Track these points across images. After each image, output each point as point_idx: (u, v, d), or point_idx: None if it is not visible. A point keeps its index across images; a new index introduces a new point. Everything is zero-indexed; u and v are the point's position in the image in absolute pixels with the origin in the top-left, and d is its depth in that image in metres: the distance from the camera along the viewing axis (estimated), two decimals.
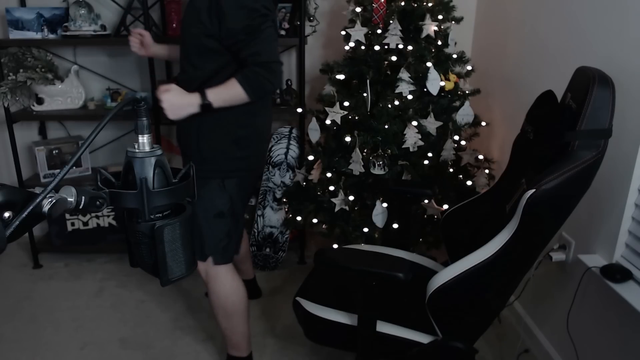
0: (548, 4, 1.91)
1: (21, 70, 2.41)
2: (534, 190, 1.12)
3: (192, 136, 1.66)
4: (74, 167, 2.65)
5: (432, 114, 2.07)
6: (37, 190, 0.60)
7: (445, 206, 2.10)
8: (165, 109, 1.49)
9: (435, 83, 2.05)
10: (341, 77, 2.17)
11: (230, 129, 1.64)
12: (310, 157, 2.36)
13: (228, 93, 1.52)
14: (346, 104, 2.11)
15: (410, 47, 2.04)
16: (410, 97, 2.04)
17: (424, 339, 1.35)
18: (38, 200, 0.57)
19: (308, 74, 2.58)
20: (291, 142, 2.54)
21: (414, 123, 2.03)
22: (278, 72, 1.54)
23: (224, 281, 1.75)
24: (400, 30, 2.04)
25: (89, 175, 2.69)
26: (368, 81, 2.07)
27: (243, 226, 1.91)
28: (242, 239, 1.94)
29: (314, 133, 2.28)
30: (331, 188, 2.18)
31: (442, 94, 2.13)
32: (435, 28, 2.06)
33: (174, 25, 2.52)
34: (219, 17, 1.48)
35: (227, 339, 1.85)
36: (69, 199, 0.62)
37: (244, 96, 1.51)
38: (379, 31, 2.08)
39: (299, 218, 2.37)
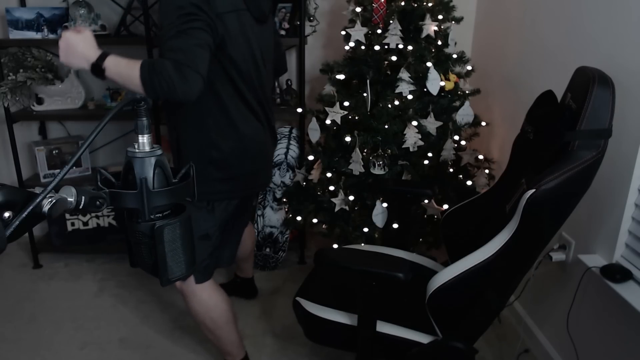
0: (548, 4, 1.91)
1: (21, 70, 2.41)
2: (534, 190, 1.12)
3: (174, 156, 1.62)
4: (74, 167, 2.65)
5: (432, 114, 2.07)
6: (37, 190, 0.60)
7: (445, 206, 2.10)
8: (60, 48, 1.35)
9: (435, 83, 2.05)
10: (341, 77, 2.17)
11: (203, 150, 1.51)
12: (310, 157, 2.36)
13: (125, 68, 1.32)
14: (346, 104, 2.11)
15: (410, 47, 2.04)
16: (410, 97, 2.04)
17: (424, 339, 1.35)
18: (38, 200, 0.57)
19: (308, 74, 2.57)
20: (291, 142, 2.54)
21: (414, 123, 2.03)
22: (190, 81, 1.27)
23: (200, 299, 1.68)
24: (400, 30, 2.04)
25: (89, 175, 2.69)
26: (368, 81, 2.07)
27: (238, 237, 1.83)
28: (237, 247, 1.86)
29: (314, 133, 2.27)
30: (331, 188, 2.18)
31: (442, 94, 2.13)
32: (435, 28, 2.06)
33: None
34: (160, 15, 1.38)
35: (217, 347, 1.84)
36: (69, 199, 0.62)
37: (137, 82, 1.29)
38: (379, 31, 2.08)
39: (299, 218, 2.37)
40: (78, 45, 1.36)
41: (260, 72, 1.58)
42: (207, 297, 1.69)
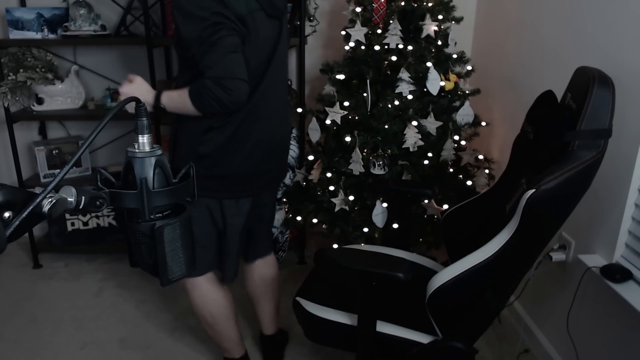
0: (548, 3, 1.91)
1: (21, 70, 2.41)
2: (533, 190, 1.12)
3: (170, 147, 1.62)
4: (74, 167, 2.65)
5: (432, 114, 2.07)
6: (37, 190, 0.60)
7: (445, 206, 2.10)
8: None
9: (435, 83, 2.05)
10: (341, 77, 2.17)
11: (192, 144, 1.52)
12: (310, 157, 2.36)
13: (179, 101, 1.42)
14: (346, 104, 2.11)
15: (410, 47, 2.04)
16: (410, 97, 2.04)
17: (424, 339, 1.35)
18: (38, 200, 0.57)
19: (308, 74, 2.57)
20: (291, 142, 2.54)
21: (414, 123, 2.03)
22: (234, 90, 1.33)
23: (200, 293, 1.68)
24: (400, 30, 2.04)
25: (89, 175, 2.69)
26: (368, 81, 2.07)
27: (235, 245, 1.67)
28: (231, 262, 1.70)
29: (314, 133, 2.27)
30: (331, 188, 2.18)
31: (442, 94, 2.13)
32: (435, 28, 2.06)
33: (174, 25, 2.52)
34: (176, 27, 1.41)
35: (216, 342, 1.84)
36: (69, 199, 0.62)
37: (192, 109, 1.39)
38: (379, 31, 2.08)
39: (299, 218, 2.37)
40: (136, 95, 1.43)
41: (271, 70, 1.55)
42: (206, 291, 1.70)
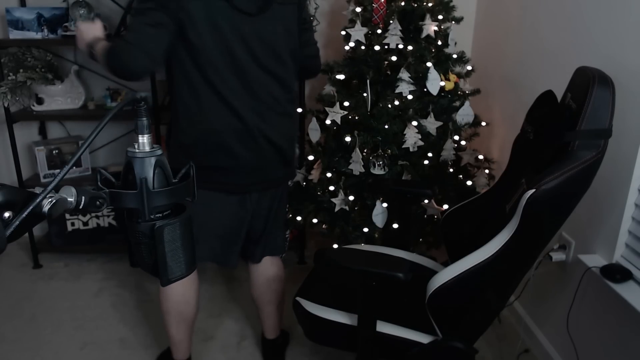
0: (548, 3, 1.92)
1: (21, 70, 2.41)
2: (533, 190, 1.12)
3: (166, 138, 1.63)
4: (74, 167, 2.65)
5: (432, 114, 2.07)
6: (37, 190, 0.60)
7: (445, 206, 2.10)
8: (76, 36, 1.55)
9: (435, 83, 2.05)
10: (341, 77, 2.17)
11: (176, 133, 1.53)
12: (310, 157, 2.36)
13: (102, 53, 1.42)
14: (346, 104, 2.11)
15: (410, 47, 2.04)
16: (410, 97, 2.04)
17: (424, 339, 1.35)
18: (38, 200, 0.57)
19: None
20: None
21: (414, 123, 2.03)
22: (131, 58, 1.36)
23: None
24: (400, 30, 2.04)
25: (89, 175, 2.69)
26: (368, 81, 2.07)
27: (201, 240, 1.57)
28: (226, 249, 1.66)
29: (314, 133, 2.27)
30: (331, 188, 2.18)
31: (442, 94, 2.13)
32: (435, 28, 2.06)
33: None
34: None
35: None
36: (69, 199, 0.62)
37: (104, 63, 1.41)
38: (379, 31, 2.08)
39: (299, 218, 2.37)
40: (84, 34, 1.51)
41: (242, 66, 1.46)
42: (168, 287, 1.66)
